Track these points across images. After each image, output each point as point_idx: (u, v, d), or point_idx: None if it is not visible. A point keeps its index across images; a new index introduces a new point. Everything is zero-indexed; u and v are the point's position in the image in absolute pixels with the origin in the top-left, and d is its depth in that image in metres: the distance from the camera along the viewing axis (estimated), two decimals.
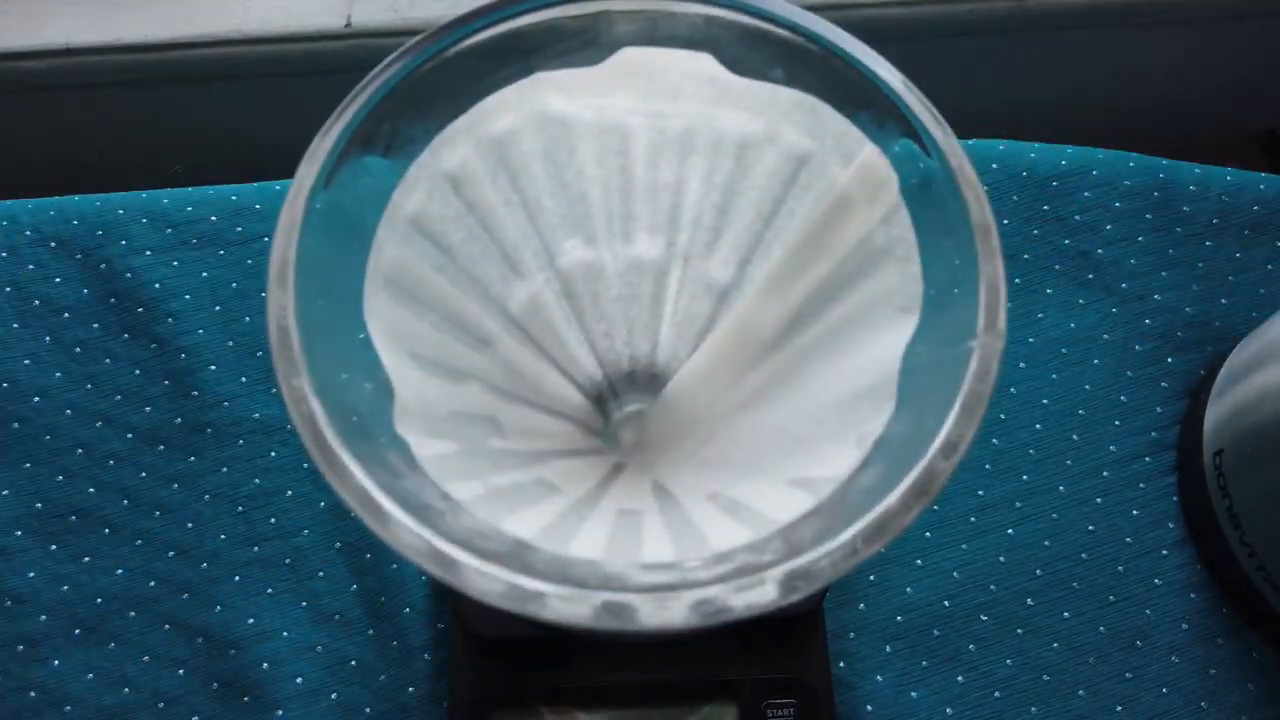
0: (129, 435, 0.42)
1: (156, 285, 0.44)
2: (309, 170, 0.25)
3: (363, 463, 0.22)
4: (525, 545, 0.23)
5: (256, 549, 0.40)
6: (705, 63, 0.28)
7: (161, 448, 0.42)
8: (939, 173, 0.25)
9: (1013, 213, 0.46)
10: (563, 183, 0.29)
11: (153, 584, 0.40)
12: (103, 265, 0.44)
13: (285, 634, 0.39)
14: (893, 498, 0.22)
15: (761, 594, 0.21)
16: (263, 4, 0.52)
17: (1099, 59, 0.64)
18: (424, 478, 0.24)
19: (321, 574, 0.40)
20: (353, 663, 0.39)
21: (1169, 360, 0.43)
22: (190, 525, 0.41)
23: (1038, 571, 0.40)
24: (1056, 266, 0.45)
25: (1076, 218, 0.45)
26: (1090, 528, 0.41)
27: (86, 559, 0.40)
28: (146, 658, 0.39)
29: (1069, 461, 0.42)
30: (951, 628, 0.39)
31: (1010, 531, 0.41)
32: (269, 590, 0.40)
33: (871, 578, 0.40)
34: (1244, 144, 0.77)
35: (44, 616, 0.39)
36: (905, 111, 0.26)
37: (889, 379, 0.25)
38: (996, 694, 0.38)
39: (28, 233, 0.45)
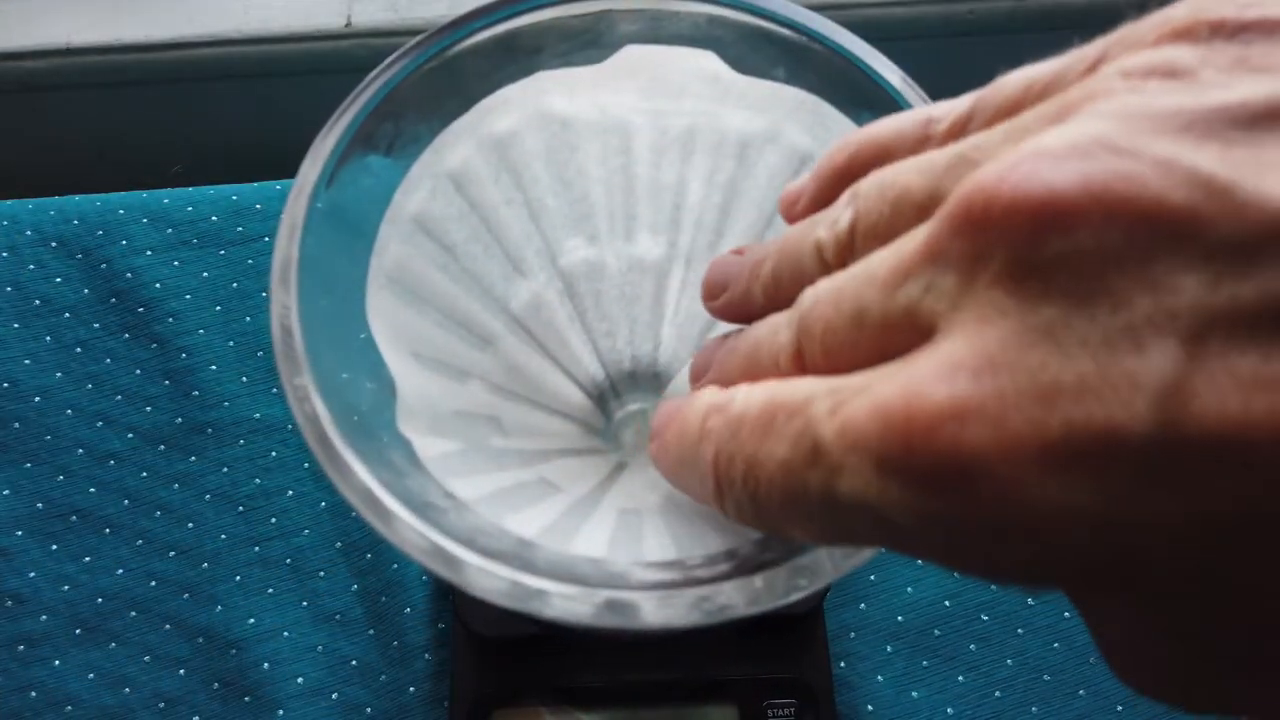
0: (129, 435, 0.42)
1: (157, 285, 0.44)
2: (311, 169, 0.25)
3: (366, 461, 0.22)
4: (528, 543, 0.23)
5: (257, 549, 0.40)
6: (708, 60, 0.28)
7: (162, 448, 0.42)
8: None
9: None
10: (565, 182, 0.29)
11: (153, 584, 0.40)
12: (103, 265, 0.44)
13: (286, 634, 0.39)
14: None
15: (763, 592, 0.21)
16: (263, 4, 0.52)
17: None
18: (426, 476, 0.24)
19: (322, 574, 0.40)
20: (353, 663, 0.39)
21: None
22: (191, 525, 0.41)
23: None
24: None
25: None
26: None
27: (87, 559, 0.40)
28: (147, 658, 0.39)
29: None
30: (952, 627, 0.39)
31: None
32: (269, 590, 0.40)
33: (872, 577, 0.40)
34: None
35: (44, 616, 0.39)
36: (906, 109, 0.26)
37: None
38: (997, 694, 0.38)
39: (28, 233, 0.45)
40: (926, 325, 0.15)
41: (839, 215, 0.19)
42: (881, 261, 0.16)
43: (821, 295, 0.18)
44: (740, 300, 0.23)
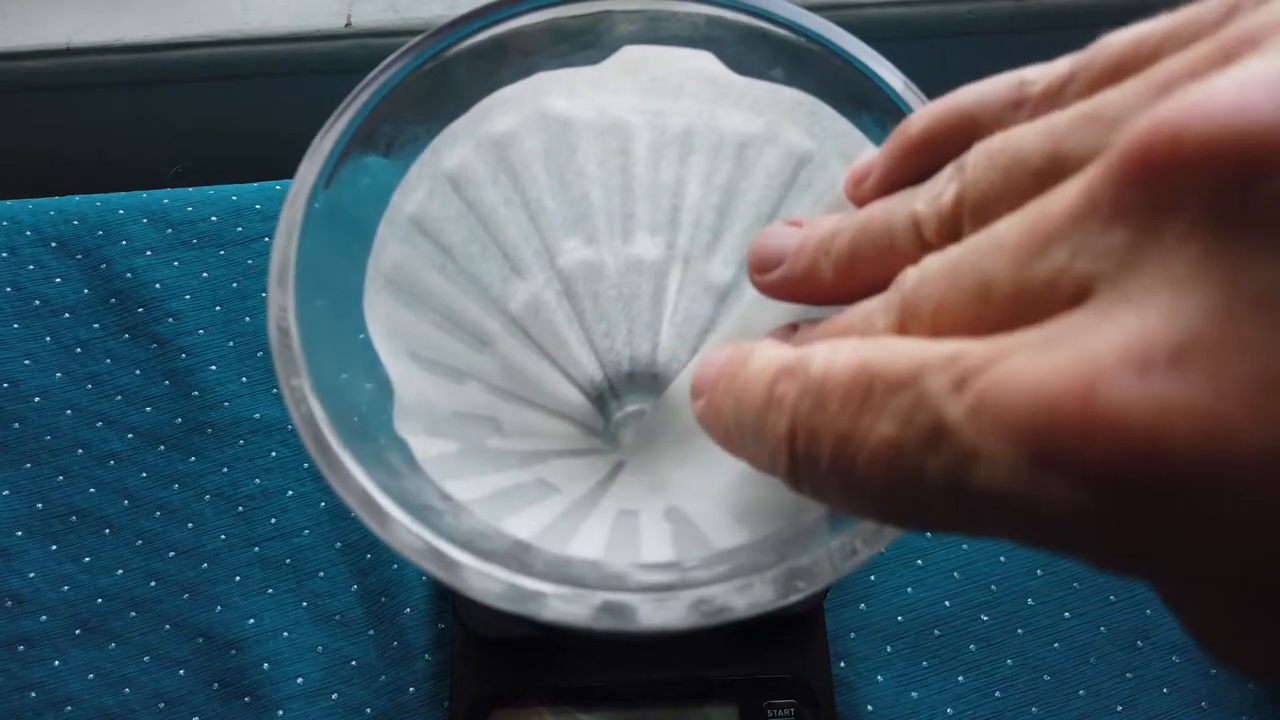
0: (129, 435, 0.42)
1: (157, 285, 0.44)
2: (309, 170, 0.25)
3: (363, 463, 0.22)
4: (525, 545, 0.23)
5: (257, 549, 0.40)
6: (706, 61, 0.28)
7: (162, 448, 0.42)
8: None
9: None
10: (563, 182, 0.29)
11: (153, 584, 0.40)
12: (103, 265, 0.44)
13: (286, 634, 0.39)
14: None
15: (761, 593, 0.21)
16: (263, 4, 0.52)
17: None
18: (424, 478, 0.24)
19: (322, 574, 0.40)
20: (353, 663, 0.39)
21: None
22: (190, 525, 0.41)
23: (1038, 571, 0.40)
24: None
25: None
26: None
27: (87, 559, 0.40)
28: (147, 658, 0.39)
29: None
30: (952, 628, 0.39)
31: None
32: (269, 590, 0.40)
33: (872, 578, 0.40)
34: None
35: (44, 616, 0.39)
36: (905, 111, 0.26)
37: None
38: (997, 694, 0.38)
39: (28, 233, 0.45)
40: (1078, 291, 0.13)
41: (942, 188, 0.17)
42: (1010, 228, 0.14)
43: (930, 272, 0.16)
44: (802, 276, 0.20)
